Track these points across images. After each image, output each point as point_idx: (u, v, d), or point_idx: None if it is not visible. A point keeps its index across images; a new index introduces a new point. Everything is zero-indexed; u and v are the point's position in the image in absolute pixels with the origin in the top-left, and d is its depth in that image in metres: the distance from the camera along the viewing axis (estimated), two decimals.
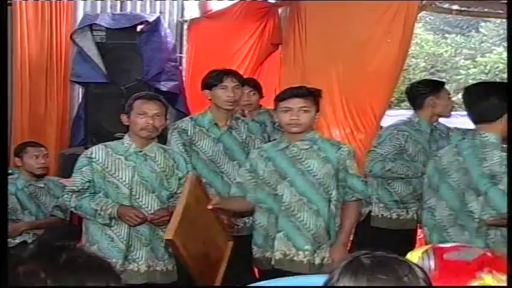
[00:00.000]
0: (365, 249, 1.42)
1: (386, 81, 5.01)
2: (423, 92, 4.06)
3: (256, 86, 4.80)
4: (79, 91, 5.94)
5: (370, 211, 4.09)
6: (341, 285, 1.35)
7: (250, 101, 4.71)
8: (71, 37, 5.43)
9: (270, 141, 4.68)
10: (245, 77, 5.10)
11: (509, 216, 3.00)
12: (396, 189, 4.07)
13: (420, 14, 8.72)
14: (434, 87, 4.10)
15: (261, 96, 4.85)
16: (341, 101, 4.93)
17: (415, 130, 4.05)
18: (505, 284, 1.92)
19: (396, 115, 8.96)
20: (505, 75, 10.13)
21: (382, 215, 4.10)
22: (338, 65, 5.04)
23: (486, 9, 5.76)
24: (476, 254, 2.54)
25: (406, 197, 4.07)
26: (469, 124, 8.01)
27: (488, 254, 2.40)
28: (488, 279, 2.08)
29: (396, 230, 4.03)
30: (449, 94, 4.17)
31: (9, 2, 5.45)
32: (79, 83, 5.66)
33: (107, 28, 5.34)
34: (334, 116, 5.00)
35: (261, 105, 4.92)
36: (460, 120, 8.21)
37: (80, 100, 5.89)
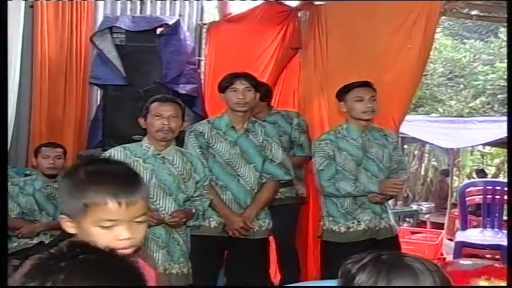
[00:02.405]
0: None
1: (406, 86, 4.93)
2: (338, 97, 3.97)
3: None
4: (98, 93, 5.94)
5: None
6: (359, 279, 1.38)
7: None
8: (90, 39, 5.43)
9: (291, 141, 4.68)
10: (265, 81, 5.10)
11: (509, 216, 2.99)
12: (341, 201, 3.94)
13: (439, 20, 8.68)
14: (342, 91, 3.95)
15: (269, 98, 4.83)
16: None
17: (340, 137, 3.95)
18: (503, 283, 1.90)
19: (413, 120, 8.96)
20: None
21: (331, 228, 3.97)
22: (359, 69, 4.97)
23: (505, 15, 5.68)
24: (479, 265, 2.51)
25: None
26: (487, 129, 7.86)
27: (496, 265, 2.35)
28: (484, 284, 2.04)
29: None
30: (359, 96, 3.88)
31: (30, 4, 5.47)
32: (97, 85, 5.65)
33: (126, 31, 5.32)
34: None
35: (271, 107, 4.90)
36: (477, 126, 8.15)
37: (98, 102, 5.88)
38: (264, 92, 4.65)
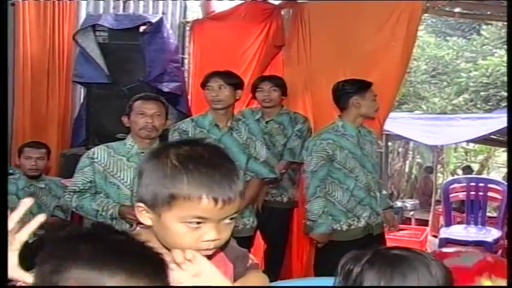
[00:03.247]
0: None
1: (390, 84, 4.96)
2: (349, 92, 3.99)
3: (279, 84, 4.78)
4: (81, 91, 5.92)
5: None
6: (365, 278, 1.36)
7: (270, 96, 4.69)
8: (73, 37, 5.41)
9: (285, 145, 4.69)
10: (248, 78, 5.13)
11: (509, 216, 3.03)
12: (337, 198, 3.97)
13: (422, 17, 8.74)
14: (361, 87, 3.99)
15: (284, 95, 4.83)
16: None
17: (340, 135, 3.97)
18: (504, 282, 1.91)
19: (397, 117, 9.00)
20: (506, 78, 10.12)
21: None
22: (344, 67, 5.01)
23: (488, 12, 5.73)
24: (476, 259, 2.54)
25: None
26: (471, 126, 7.93)
27: (489, 258, 2.38)
28: (487, 283, 2.06)
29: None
30: (375, 95, 4.02)
31: (12, 2, 5.44)
32: (81, 83, 5.64)
33: (109, 29, 5.31)
34: None
35: (282, 106, 4.89)
36: (461, 123, 8.21)
37: (82, 100, 5.86)
38: (284, 89, 4.79)
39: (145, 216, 1.42)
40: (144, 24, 5.44)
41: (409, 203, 10.96)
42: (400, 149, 14.90)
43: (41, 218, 1.28)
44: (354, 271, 1.39)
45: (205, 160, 1.37)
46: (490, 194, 7.17)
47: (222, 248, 1.51)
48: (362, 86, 4.00)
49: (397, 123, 8.43)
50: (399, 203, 10.69)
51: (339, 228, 3.95)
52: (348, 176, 3.93)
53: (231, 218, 1.40)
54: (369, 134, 4.15)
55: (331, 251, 3.90)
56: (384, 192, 4.28)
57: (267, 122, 4.66)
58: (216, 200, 1.33)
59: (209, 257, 1.43)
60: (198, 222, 1.36)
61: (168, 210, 1.36)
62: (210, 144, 1.45)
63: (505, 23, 10.33)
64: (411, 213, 10.39)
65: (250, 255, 1.69)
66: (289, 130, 4.75)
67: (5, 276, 1.32)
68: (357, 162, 3.96)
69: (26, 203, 1.27)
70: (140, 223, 1.47)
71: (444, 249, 4.66)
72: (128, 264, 1.04)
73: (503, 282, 1.97)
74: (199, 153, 1.40)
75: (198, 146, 1.43)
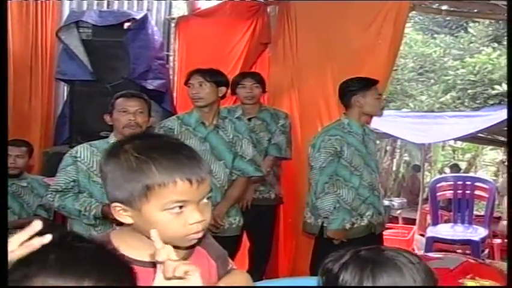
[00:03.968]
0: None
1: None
2: (351, 90, 4.02)
3: (260, 80, 4.79)
4: (64, 89, 5.90)
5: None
6: (343, 279, 1.37)
7: (253, 93, 4.71)
8: (56, 34, 5.39)
9: (270, 141, 4.71)
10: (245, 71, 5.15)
11: (509, 216, 3.07)
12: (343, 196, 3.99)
13: (409, 14, 8.75)
14: (363, 85, 4.02)
15: (264, 91, 4.84)
16: (337, 102, 4.92)
17: (346, 132, 4.01)
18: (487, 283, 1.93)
19: (384, 115, 9.01)
20: (493, 76, 10.20)
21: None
22: (332, 65, 5.03)
23: (475, 10, 5.77)
24: (458, 262, 2.57)
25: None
26: (458, 124, 7.95)
27: (471, 261, 2.41)
28: (471, 284, 2.09)
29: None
30: (379, 94, 4.07)
31: None
32: (64, 80, 5.62)
33: (93, 25, 5.30)
34: (329, 117, 4.99)
35: (261, 102, 4.92)
36: (448, 121, 8.26)
37: (65, 98, 5.85)
38: (264, 85, 4.80)
39: (124, 216, 1.43)
40: (128, 20, 5.43)
41: (396, 202, 11.00)
42: (387, 147, 14.96)
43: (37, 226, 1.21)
44: (332, 271, 1.41)
45: (165, 147, 1.42)
46: (477, 192, 7.22)
47: (203, 245, 1.54)
48: (364, 85, 4.03)
49: (384, 121, 8.44)
50: (386, 202, 10.72)
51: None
52: (353, 174, 3.97)
53: (208, 198, 1.45)
54: (372, 133, 4.21)
55: (331, 249, 3.90)
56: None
57: (249, 120, 4.65)
58: (190, 181, 1.37)
59: (191, 251, 1.46)
60: (180, 207, 1.39)
61: (147, 202, 1.38)
62: (160, 135, 1.53)
63: (492, 21, 10.43)
64: (399, 212, 10.44)
65: (229, 259, 1.71)
66: (273, 126, 4.78)
67: (5, 276, 1.32)
68: (362, 161, 4.00)
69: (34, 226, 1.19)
70: (120, 224, 1.48)
71: (430, 254, 4.72)
72: (95, 272, 1.06)
73: (487, 283, 1.99)
74: (155, 142, 1.45)
75: (150, 138, 1.48)
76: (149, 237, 1.36)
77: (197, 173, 1.39)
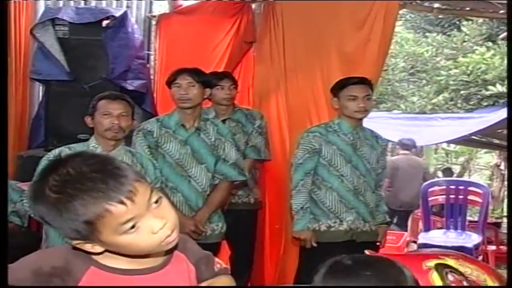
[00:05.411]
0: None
1: None
2: (332, 91, 4.06)
3: (235, 81, 4.84)
4: (40, 89, 5.88)
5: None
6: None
7: (231, 95, 4.74)
8: (31, 32, 5.37)
9: (247, 143, 4.73)
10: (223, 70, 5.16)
11: (509, 216, 3.11)
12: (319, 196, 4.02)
13: (400, 12, 8.77)
14: (337, 86, 4.04)
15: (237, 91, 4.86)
16: (326, 102, 4.95)
17: (331, 131, 4.03)
18: (469, 271, 1.96)
19: (375, 117, 9.07)
20: (487, 76, 10.28)
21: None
22: (322, 65, 5.06)
23: (468, 8, 5.80)
24: (438, 250, 2.61)
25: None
26: (451, 126, 7.99)
27: (457, 253, 2.45)
28: (450, 261, 2.11)
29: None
30: (352, 95, 3.99)
31: None
32: (39, 80, 5.59)
33: (70, 23, 5.28)
34: (318, 120, 5.02)
35: (234, 103, 4.92)
36: (441, 123, 8.32)
37: (40, 99, 5.82)
38: (237, 86, 4.82)
39: (91, 248, 1.41)
40: (107, 18, 5.42)
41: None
42: None
43: None
44: (315, 280, 1.43)
45: (81, 176, 1.36)
46: (470, 197, 7.27)
47: (182, 249, 1.55)
48: (337, 86, 4.05)
49: (375, 123, 8.50)
50: (386, 207, 10.73)
51: (317, 228, 3.98)
52: (332, 174, 3.98)
53: (157, 199, 1.42)
54: (374, 139, 4.17)
55: (310, 253, 3.93)
56: (384, 207, 4.28)
57: (223, 121, 4.59)
58: (122, 202, 1.34)
59: (169, 256, 1.49)
60: (132, 226, 1.37)
61: (99, 233, 1.37)
62: (73, 155, 1.44)
63: (486, 19, 10.51)
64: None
65: (218, 260, 1.72)
66: (249, 127, 4.80)
67: (5, 276, 1.34)
68: (345, 161, 3.99)
69: None
70: None
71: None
72: None
73: (472, 266, 2.02)
74: (68, 173, 1.37)
75: (63, 167, 1.39)
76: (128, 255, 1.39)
77: (124, 190, 1.35)
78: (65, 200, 1.34)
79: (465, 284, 1.97)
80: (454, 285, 1.97)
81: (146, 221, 1.38)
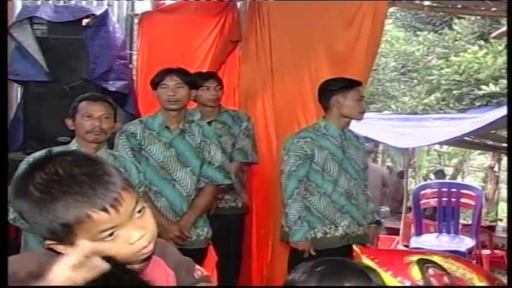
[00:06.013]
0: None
1: None
2: (331, 90, 4.09)
3: (221, 81, 4.85)
4: (18, 90, 5.87)
5: None
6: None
7: (217, 95, 4.75)
8: (7, 31, 5.36)
9: (233, 145, 4.74)
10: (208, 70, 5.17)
11: (509, 216, 3.16)
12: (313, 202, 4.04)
13: (390, 10, 8.80)
14: (344, 85, 4.09)
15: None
16: (315, 105, 4.98)
17: (320, 135, 4.07)
18: (455, 268, 1.99)
19: (365, 118, 9.07)
20: (480, 76, 10.35)
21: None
22: (310, 65, 5.09)
23: (459, 6, 5.84)
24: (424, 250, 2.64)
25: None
26: (443, 127, 8.06)
27: (446, 253, 2.48)
28: (436, 258, 2.15)
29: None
30: (361, 96, 4.13)
31: None
32: (17, 81, 5.58)
33: (49, 21, 5.27)
34: (306, 121, 5.05)
35: (220, 105, 4.93)
36: (433, 123, 8.37)
37: (18, 100, 5.81)
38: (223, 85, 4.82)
39: (63, 250, 1.39)
40: (87, 16, 5.41)
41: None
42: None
43: None
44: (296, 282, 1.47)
45: (69, 177, 1.36)
46: (463, 200, 7.33)
47: (160, 254, 1.56)
48: (345, 85, 4.08)
49: (365, 124, 8.51)
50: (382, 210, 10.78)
51: (313, 236, 4.00)
52: (326, 179, 4.00)
53: (140, 209, 1.42)
54: (356, 139, 4.24)
55: (303, 260, 3.93)
56: (372, 205, 4.31)
57: (209, 123, 4.59)
58: (106, 210, 1.34)
59: (147, 262, 1.50)
60: (111, 233, 1.37)
61: (74, 237, 1.36)
62: (64, 154, 1.43)
63: (478, 17, 10.58)
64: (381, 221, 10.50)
65: (199, 267, 1.74)
66: (236, 129, 4.81)
67: (5, 276, 1.35)
68: (337, 165, 4.02)
69: None
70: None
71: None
72: None
73: (458, 264, 2.06)
74: (56, 172, 1.37)
75: (52, 165, 1.39)
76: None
77: (110, 198, 1.35)
78: (48, 200, 1.34)
79: (445, 279, 2.01)
80: (433, 279, 2.00)
81: (125, 231, 1.38)
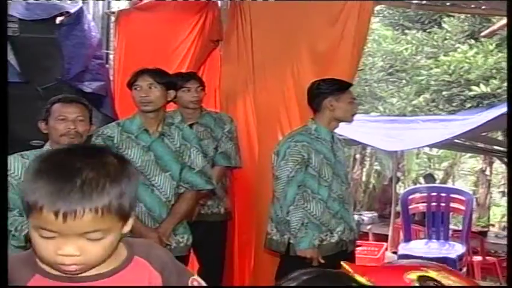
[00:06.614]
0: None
1: None
2: (323, 92, 4.12)
3: (203, 82, 4.84)
4: None
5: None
6: None
7: (199, 97, 4.75)
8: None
9: (216, 149, 4.75)
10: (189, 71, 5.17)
11: (509, 216, 3.20)
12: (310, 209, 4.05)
13: (377, 8, 8.85)
14: (337, 87, 4.13)
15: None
16: (298, 104, 5.00)
17: (314, 139, 4.10)
18: (452, 283, 2.01)
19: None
20: (470, 76, 10.41)
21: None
22: (293, 64, 5.10)
23: (448, 3, 5.87)
24: (419, 262, 2.67)
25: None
26: (433, 129, 8.10)
27: (439, 264, 2.51)
28: (432, 273, 2.18)
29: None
30: (353, 98, 4.20)
31: None
32: None
33: (20, 19, 5.26)
34: (289, 122, 5.06)
35: (202, 107, 4.93)
36: (422, 125, 8.41)
37: None
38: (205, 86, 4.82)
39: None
40: (61, 14, 5.41)
41: (366, 216, 11.07)
42: (356, 156, 15.11)
43: None
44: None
45: (63, 166, 1.40)
46: (453, 205, 7.37)
47: (144, 255, 1.58)
48: (338, 87, 4.12)
49: (352, 126, 8.52)
50: (355, 216, 10.80)
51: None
52: (322, 184, 4.03)
53: (95, 237, 1.41)
54: (340, 141, 4.29)
55: (296, 268, 3.92)
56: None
57: (191, 126, 4.55)
58: (56, 214, 1.35)
59: (125, 262, 1.54)
60: (50, 236, 1.39)
61: (30, 217, 1.41)
62: (84, 148, 1.54)
63: (468, 15, 10.65)
64: (369, 227, 10.54)
65: (196, 277, 1.74)
66: (218, 132, 4.82)
67: (5, 276, 1.36)
68: (331, 170, 4.06)
69: None
70: None
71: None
72: None
73: (454, 278, 2.08)
74: (62, 157, 1.44)
75: (64, 154, 1.46)
76: None
77: (70, 206, 1.35)
78: (34, 175, 1.39)
79: None
80: None
81: (62, 241, 1.40)
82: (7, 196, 1.55)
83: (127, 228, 1.50)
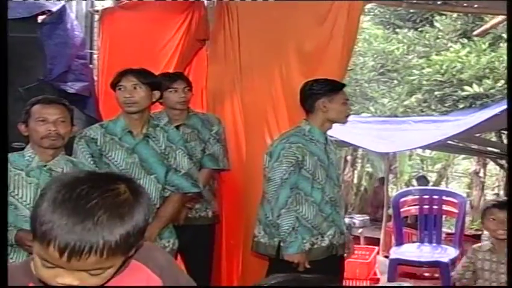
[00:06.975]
0: None
1: None
2: (316, 93, 4.15)
3: (190, 83, 4.84)
4: None
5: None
6: None
7: (186, 98, 4.74)
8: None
9: (203, 151, 4.74)
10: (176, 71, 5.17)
11: (509, 216, 3.23)
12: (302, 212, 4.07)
13: (368, 6, 8.87)
14: (331, 88, 4.16)
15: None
16: (286, 104, 5.01)
17: (308, 140, 4.12)
18: None
19: None
20: (463, 76, 10.44)
21: None
22: (281, 64, 5.11)
23: (440, 2, 5.89)
24: None
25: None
26: (425, 130, 8.10)
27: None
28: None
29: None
30: (346, 99, 4.22)
31: None
32: None
33: None
34: (277, 123, 5.07)
35: (189, 108, 4.92)
36: (414, 126, 8.44)
37: None
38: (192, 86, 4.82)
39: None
40: (43, 13, 5.40)
41: (358, 219, 11.09)
42: (348, 157, 15.15)
43: None
44: None
45: (77, 204, 1.38)
46: (445, 207, 7.39)
47: (142, 258, 1.60)
48: (331, 88, 4.15)
49: (342, 127, 8.53)
50: (346, 219, 10.81)
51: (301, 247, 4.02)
52: (315, 187, 4.04)
53: (96, 273, 1.42)
54: (332, 143, 4.31)
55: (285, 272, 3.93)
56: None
57: (177, 127, 4.55)
58: (61, 253, 1.35)
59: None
60: (52, 266, 1.40)
61: (35, 243, 1.41)
62: (109, 180, 1.47)
63: (460, 14, 10.68)
64: (360, 230, 10.56)
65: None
66: (206, 134, 4.82)
67: (5, 276, 1.37)
68: (324, 172, 4.08)
69: None
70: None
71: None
72: None
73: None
74: (79, 192, 1.40)
75: (93, 181, 1.44)
76: None
77: (74, 247, 1.35)
78: (46, 205, 1.39)
79: None
80: None
81: (63, 271, 1.40)
82: (7, 196, 1.55)
83: None
